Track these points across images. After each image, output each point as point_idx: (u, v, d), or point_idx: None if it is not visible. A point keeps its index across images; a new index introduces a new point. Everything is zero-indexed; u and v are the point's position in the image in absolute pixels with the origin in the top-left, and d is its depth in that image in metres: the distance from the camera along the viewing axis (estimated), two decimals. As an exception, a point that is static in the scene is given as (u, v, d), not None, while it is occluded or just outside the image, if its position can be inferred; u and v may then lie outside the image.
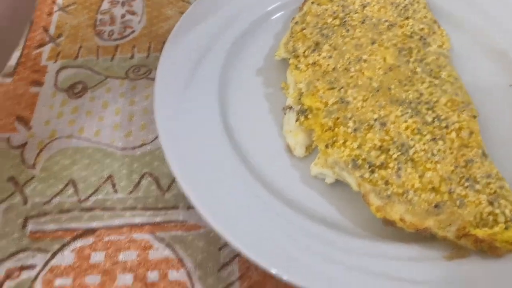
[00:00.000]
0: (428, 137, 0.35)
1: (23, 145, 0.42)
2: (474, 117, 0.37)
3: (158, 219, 0.37)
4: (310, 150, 0.39)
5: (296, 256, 0.31)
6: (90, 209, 0.38)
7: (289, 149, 0.39)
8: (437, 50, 0.40)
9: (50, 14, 0.53)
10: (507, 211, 0.32)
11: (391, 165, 0.34)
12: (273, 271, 0.30)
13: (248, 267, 0.34)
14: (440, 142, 0.35)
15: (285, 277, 0.30)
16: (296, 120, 0.38)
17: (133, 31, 0.51)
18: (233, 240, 0.31)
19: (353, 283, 0.30)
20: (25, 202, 0.38)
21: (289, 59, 0.42)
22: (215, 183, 0.35)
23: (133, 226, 0.37)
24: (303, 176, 0.38)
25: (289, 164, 0.38)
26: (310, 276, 0.30)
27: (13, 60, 0.48)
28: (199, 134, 0.37)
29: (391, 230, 0.34)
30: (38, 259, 0.35)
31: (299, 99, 0.39)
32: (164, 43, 0.42)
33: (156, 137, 0.42)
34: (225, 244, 0.35)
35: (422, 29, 0.41)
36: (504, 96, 0.42)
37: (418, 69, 0.39)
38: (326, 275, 0.31)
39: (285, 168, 0.38)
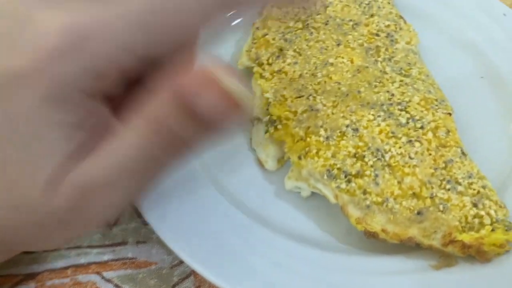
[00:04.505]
0: (404, 139, 0.33)
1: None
2: (450, 114, 0.35)
3: (105, 257, 0.34)
4: (283, 162, 0.36)
5: (271, 280, 0.29)
6: (30, 251, 0.34)
7: (260, 163, 0.37)
8: (406, 47, 0.39)
9: None
10: (492, 212, 0.31)
11: (367, 172, 0.32)
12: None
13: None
14: (417, 144, 0.33)
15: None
16: (266, 132, 0.36)
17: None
18: (198, 267, 0.29)
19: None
20: None
21: (253, 67, 0.40)
22: (179, 204, 0.32)
23: (78, 267, 0.34)
24: (277, 190, 0.35)
25: (261, 178, 0.36)
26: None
27: None
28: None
29: (374, 243, 0.32)
30: None
31: (267, 109, 0.37)
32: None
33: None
34: (179, 281, 0.33)
35: (388, 26, 0.40)
36: (477, 88, 0.41)
37: (388, 69, 0.37)
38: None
39: (257, 184, 0.36)
